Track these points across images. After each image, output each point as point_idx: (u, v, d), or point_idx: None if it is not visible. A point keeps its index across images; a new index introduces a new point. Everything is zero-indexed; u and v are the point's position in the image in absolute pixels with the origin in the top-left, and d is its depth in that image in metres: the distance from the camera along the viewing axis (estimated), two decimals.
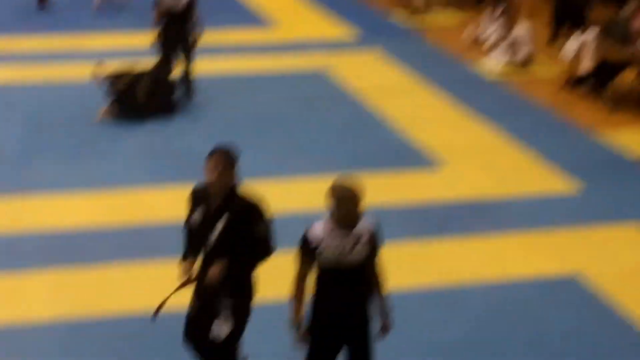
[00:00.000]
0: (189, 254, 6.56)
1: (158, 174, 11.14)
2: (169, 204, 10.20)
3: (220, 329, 6.41)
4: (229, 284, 6.36)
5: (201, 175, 10.08)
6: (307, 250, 6.17)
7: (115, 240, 9.50)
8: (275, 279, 8.06)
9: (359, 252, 6.16)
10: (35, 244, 9.44)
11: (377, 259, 6.30)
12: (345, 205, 6.04)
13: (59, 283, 8.71)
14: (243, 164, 11.32)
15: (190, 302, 6.62)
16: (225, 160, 6.33)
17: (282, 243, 9.33)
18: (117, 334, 7.92)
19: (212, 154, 6.36)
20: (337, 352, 6.39)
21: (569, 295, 8.73)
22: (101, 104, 13.21)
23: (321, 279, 6.25)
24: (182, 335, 6.72)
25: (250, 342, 7.53)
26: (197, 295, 6.56)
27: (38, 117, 13.15)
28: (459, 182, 11.19)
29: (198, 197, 6.46)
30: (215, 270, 6.29)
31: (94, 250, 9.30)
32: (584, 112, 13.83)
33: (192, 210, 6.47)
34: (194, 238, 6.49)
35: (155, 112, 13.19)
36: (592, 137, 12.84)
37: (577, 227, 10.08)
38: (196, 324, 6.59)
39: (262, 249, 6.40)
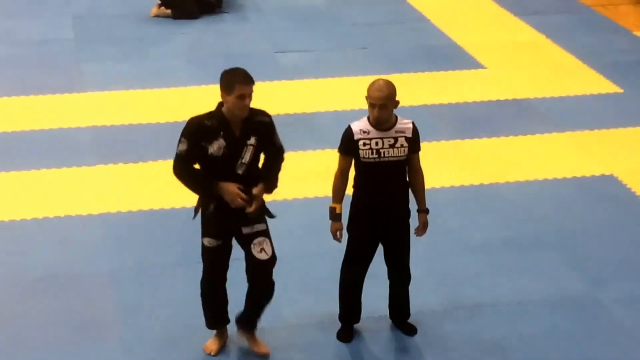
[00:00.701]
0: (210, 183, 6.09)
1: (203, 73, 11.34)
2: (216, 103, 10.44)
3: (266, 248, 6.29)
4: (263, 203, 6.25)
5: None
6: (348, 147, 6.34)
7: (162, 137, 9.76)
8: (314, 175, 8.34)
9: (399, 149, 6.32)
10: (86, 140, 9.74)
11: (416, 157, 6.45)
12: (381, 106, 6.18)
13: (108, 177, 9.02)
14: (286, 63, 11.60)
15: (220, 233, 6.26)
16: (251, 86, 5.96)
17: (323, 142, 9.60)
18: (162, 225, 8.23)
19: (236, 81, 5.93)
20: (375, 246, 6.62)
21: (605, 193, 8.87)
22: (154, 0, 13.44)
23: (361, 174, 6.43)
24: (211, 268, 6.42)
25: (293, 237, 7.85)
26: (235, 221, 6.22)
27: (90, 14, 13.37)
28: (500, 82, 11.27)
29: (210, 130, 6.00)
30: (259, 194, 6.11)
31: (141, 147, 9.58)
32: (627, 12, 13.78)
33: (199, 144, 6.00)
34: (216, 169, 6.04)
35: (203, 9, 13.36)
36: (634, 38, 12.83)
37: (616, 127, 10.16)
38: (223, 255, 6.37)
39: (282, 155, 6.31)
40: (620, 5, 14.06)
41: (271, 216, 6.33)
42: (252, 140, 6.06)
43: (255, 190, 6.10)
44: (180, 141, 6.08)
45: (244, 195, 6.03)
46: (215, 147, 6.00)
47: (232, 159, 6.04)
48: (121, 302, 7.21)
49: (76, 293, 7.32)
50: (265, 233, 6.29)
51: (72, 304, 7.19)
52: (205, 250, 6.35)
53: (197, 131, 6.03)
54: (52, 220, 8.30)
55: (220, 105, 6.09)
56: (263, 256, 6.27)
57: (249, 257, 6.31)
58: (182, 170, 6.09)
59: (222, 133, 6.00)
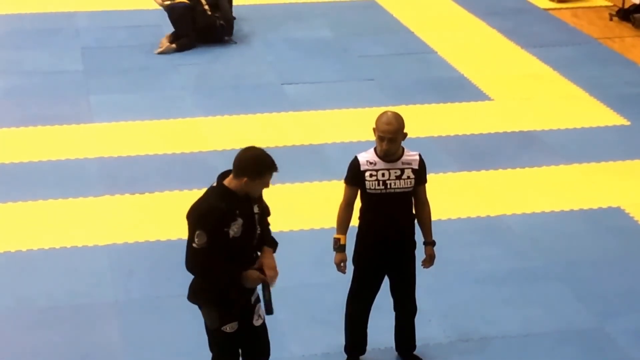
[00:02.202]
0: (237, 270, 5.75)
1: (211, 104, 11.37)
2: (222, 134, 10.49)
3: (261, 313, 6.00)
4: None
5: (253, 109, 10.21)
6: (354, 178, 6.34)
7: (169, 168, 9.78)
8: (321, 206, 8.32)
9: (405, 181, 6.32)
10: (93, 171, 9.75)
11: (422, 188, 6.45)
12: (388, 138, 6.19)
13: (114, 208, 9.02)
14: (293, 95, 11.63)
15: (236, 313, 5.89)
16: None
17: (330, 173, 9.59)
18: (168, 256, 8.15)
19: (269, 170, 5.60)
20: (381, 278, 6.60)
21: (612, 225, 8.84)
22: (162, 32, 13.52)
23: (367, 206, 6.42)
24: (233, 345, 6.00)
25: (298, 268, 7.83)
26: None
27: (99, 45, 13.44)
28: (507, 114, 11.27)
29: (228, 213, 5.58)
30: (274, 265, 5.86)
31: (148, 178, 9.58)
32: (633, 44, 13.80)
33: (221, 231, 5.57)
34: (235, 249, 5.69)
35: (211, 37, 13.42)
36: None
37: (622, 160, 10.14)
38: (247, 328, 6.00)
39: (269, 212, 6.02)
40: (627, 37, 14.09)
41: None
42: (256, 209, 5.76)
43: (274, 263, 5.83)
44: (196, 235, 5.59)
45: (263, 276, 5.77)
46: (235, 228, 5.60)
47: (250, 235, 5.72)
48: (126, 333, 7.20)
49: (82, 324, 7.31)
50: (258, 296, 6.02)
51: (77, 335, 7.17)
52: (226, 339, 5.88)
53: (217, 218, 5.56)
54: (58, 251, 8.30)
55: (221, 181, 5.69)
56: (259, 322, 6.01)
57: (246, 326, 5.94)
58: (207, 264, 5.66)
59: (238, 212, 5.60)
